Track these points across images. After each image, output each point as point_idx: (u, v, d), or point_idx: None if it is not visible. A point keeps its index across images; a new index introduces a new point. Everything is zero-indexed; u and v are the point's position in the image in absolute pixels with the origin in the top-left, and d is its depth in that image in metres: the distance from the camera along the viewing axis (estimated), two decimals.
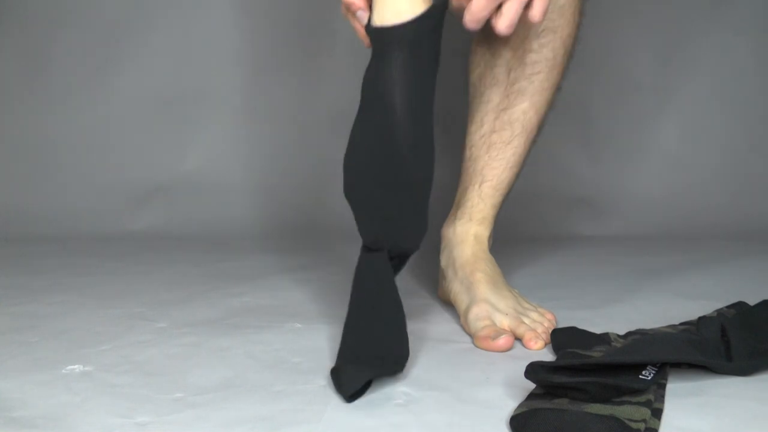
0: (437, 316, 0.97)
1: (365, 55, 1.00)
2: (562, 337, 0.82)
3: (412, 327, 0.91)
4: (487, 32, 0.97)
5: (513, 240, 1.52)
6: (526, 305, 0.90)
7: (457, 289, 0.93)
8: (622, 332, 0.85)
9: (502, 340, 0.82)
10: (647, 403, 0.63)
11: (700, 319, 0.83)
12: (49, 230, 1.59)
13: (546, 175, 1.67)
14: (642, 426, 0.59)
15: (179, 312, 0.98)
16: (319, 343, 0.85)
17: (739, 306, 0.91)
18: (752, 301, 0.90)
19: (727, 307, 0.92)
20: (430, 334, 0.88)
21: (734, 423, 0.63)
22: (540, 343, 0.82)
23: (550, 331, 0.85)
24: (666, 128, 1.71)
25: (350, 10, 0.84)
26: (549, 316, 0.89)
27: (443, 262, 0.98)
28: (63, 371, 0.75)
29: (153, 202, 1.68)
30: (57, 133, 1.72)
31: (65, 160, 1.71)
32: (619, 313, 0.96)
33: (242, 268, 1.27)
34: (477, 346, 0.84)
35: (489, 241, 0.97)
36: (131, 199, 1.68)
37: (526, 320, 0.86)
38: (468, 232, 0.96)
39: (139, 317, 0.95)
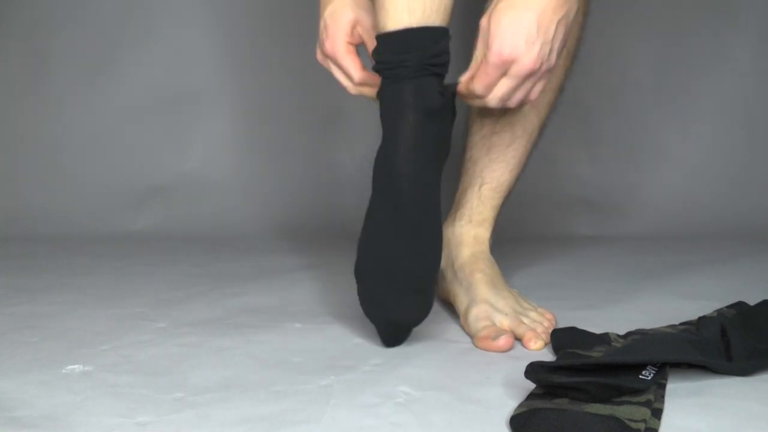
0: (437, 316, 0.96)
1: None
2: (562, 337, 0.82)
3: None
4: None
5: (513, 240, 1.52)
6: (526, 305, 0.90)
7: (456, 290, 0.93)
8: (622, 332, 0.84)
9: (503, 341, 0.82)
10: (647, 403, 0.63)
11: (700, 319, 0.83)
12: (49, 230, 1.59)
13: (546, 175, 1.66)
14: (642, 426, 0.59)
15: (179, 312, 0.98)
16: (319, 343, 0.85)
17: (739, 306, 0.91)
18: (752, 301, 0.90)
19: (727, 307, 0.92)
20: (430, 334, 0.88)
21: (734, 423, 0.63)
22: (540, 343, 0.82)
23: (550, 331, 0.85)
24: (666, 128, 1.71)
25: (331, 56, 0.90)
26: (548, 315, 0.89)
27: (443, 262, 0.98)
28: (63, 371, 0.75)
29: (153, 202, 1.68)
30: (57, 133, 1.72)
31: (65, 160, 1.71)
32: (619, 313, 0.96)
33: (242, 268, 1.27)
34: (477, 347, 0.84)
35: (489, 242, 0.97)
36: (131, 199, 1.68)
37: (525, 320, 0.86)
38: (467, 234, 0.96)
39: (139, 317, 0.95)
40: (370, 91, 0.91)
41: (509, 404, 0.65)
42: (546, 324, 0.86)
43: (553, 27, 0.78)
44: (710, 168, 1.69)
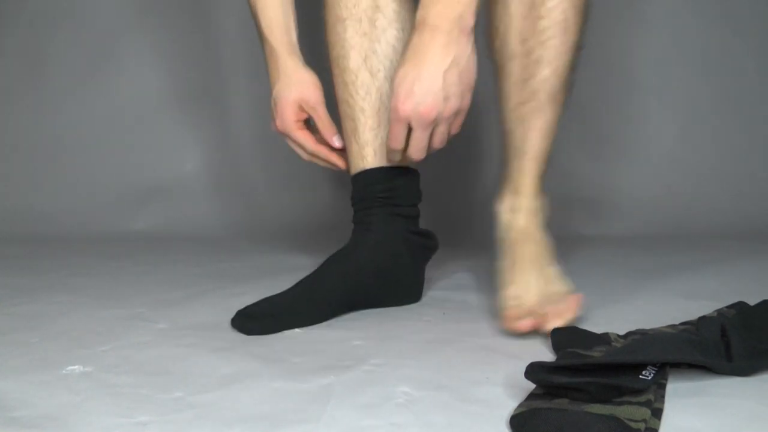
0: (437, 316, 0.97)
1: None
2: (562, 337, 0.82)
3: (412, 327, 0.91)
4: (498, 8, 0.97)
5: None
6: (558, 288, 0.91)
7: (503, 265, 0.95)
8: (622, 332, 0.84)
9: (523, 323, 0.84)
10: (647, 403, 0.63)
11: (700, 319, 0.83)
12: (49, 230, 1.59)
13: (546, 175, 1.66)
14: (642, 426, 0.59)
15: (179, 312, 0.98)
16: (319, 344, 0.85)
17: (739, 306, 0.91)
18: (752, 301, 0.90)
19: (727, 307, 0.91)
20: (430, 334, 0.88)
21: (734, 423, 0.63)
22: (557, 321, 0.84)
23: (569, 317, 0.86)
24: (666, 128, 1.71)
25: (282, 133, 1.04)
26: (573, 304, 0.89)
27: (498, 235, 0.99)
28: (63, 371, 0.75)
29: (153, 202, 1.68)
30: (57, 132, 1.72)
31: (65, 160, 1.71)
32: (619, 313, 0.96)
33: (242, 268, 1.27)
34: (502, 325, 0.86)
35: (542, 210, 0.99)
36: (131, 199, 1.68)
37: (550, 304, 0.87)
38: (518, 207, 0.98)
39: (139, 317, 0.96)
40: (321, 162, 1.06)
41: (509, 404, 0.65)
42: (567, 314, 0.87)
43: (440, 77, 0.85)
44: (710, 168, 1.69)
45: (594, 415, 0.60)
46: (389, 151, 0.92)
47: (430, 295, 1.06)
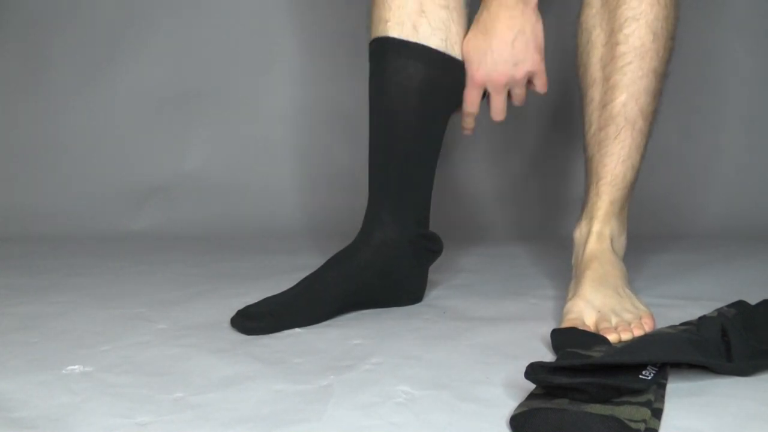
0: (437, 315, 0.97)
1: (366, 56, 1.01)
2: (562, 337, 0.82)
3: (412, 326, 0.91)
4: (583, 38, 1.02)
5: (513, 240, 1.52)
6: (628, 307, 0.89)
7: (570, 286, 0.95)
8: None
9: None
10: (647, 403, 0.63)
11: (701, 319, 0.83)
12: (49, 230, 1.59)
13: (546, 175, 1.67)
14: (642, 426, 0.59)
15: (179, 312, 0.98)
16: (319, 344, 0.85)
17: (740, 306, 0.91)
18: (753, 301, 0.90)
19: (728, 306, 0.91)
20: (430, 333, 0.88)
21: (734, 423, 0.63)
22: (612, 336, 0.82)
23: (634, 333, 0.84)
24: (666, 128, 1.71)
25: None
26: (647, 327, 0.86)
27: (572, 261, 1.00)
28: (63, 371, 0.75)
29: (153, 202, 1.68)
30: (57, 133, 1.72)
31: (65, 160, 1.71)
32: None
33: (242, 268, 1.27)
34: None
35: (614, 236, 0.98)
36: (131, 199, 1.68)
37: (614, 319, 0.86)
38: (590, 231, 0.98)
39: (139, 317, 0.96)
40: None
41: (509, 404, 0.65)
42: (635, 331, 0.85)
43: (509, 46, 0.96)
44: (710, 168, 1.69)
45: (594, 415, 0.60)
46: (464, 117, 1.01)
47: (430, 295, 1.06)
